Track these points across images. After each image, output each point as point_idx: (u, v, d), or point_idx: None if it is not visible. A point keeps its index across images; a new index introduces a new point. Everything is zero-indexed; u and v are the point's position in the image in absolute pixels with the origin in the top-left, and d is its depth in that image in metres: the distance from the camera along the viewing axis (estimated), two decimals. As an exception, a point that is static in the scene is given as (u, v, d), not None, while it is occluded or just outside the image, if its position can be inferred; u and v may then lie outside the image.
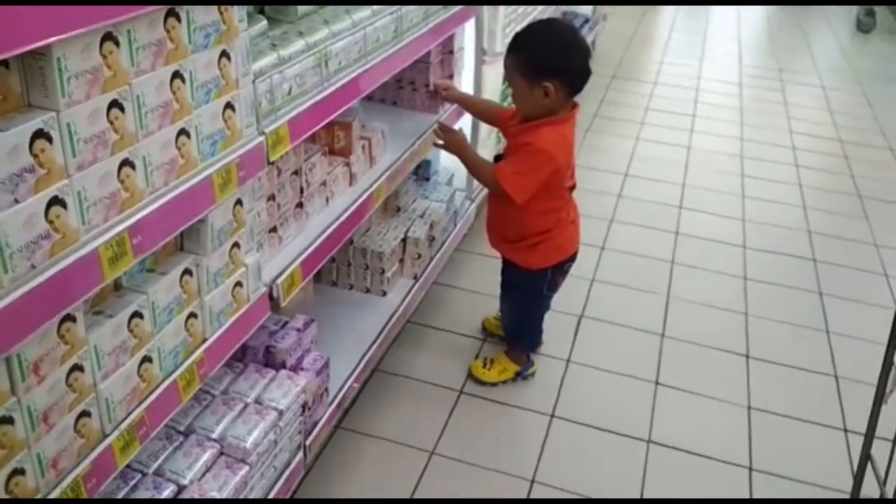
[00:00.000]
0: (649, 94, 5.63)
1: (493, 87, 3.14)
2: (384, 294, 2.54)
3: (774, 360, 2.95)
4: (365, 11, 1.99)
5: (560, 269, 2.51)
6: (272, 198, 1.79)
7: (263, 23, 1.70)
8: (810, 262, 3.62)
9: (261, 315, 1.71)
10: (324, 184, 2.06)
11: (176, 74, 1.27)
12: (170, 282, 1.40)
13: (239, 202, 1.53)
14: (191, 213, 1.36)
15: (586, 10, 5.80)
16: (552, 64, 2.19)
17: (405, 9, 2.19)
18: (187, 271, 1.44)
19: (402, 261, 2.62)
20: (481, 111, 2.72)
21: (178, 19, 1.25)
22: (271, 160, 1.60)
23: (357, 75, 1.94)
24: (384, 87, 2.74)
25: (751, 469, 2.46)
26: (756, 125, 5.20)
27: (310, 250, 1.89)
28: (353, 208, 2.12)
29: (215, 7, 1.33)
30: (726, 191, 4.26)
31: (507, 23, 3.14)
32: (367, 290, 2.55)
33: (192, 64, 1.31)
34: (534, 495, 2.28)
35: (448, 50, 2.82)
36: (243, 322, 1.65)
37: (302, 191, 1.94)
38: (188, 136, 1.33)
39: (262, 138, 1.55)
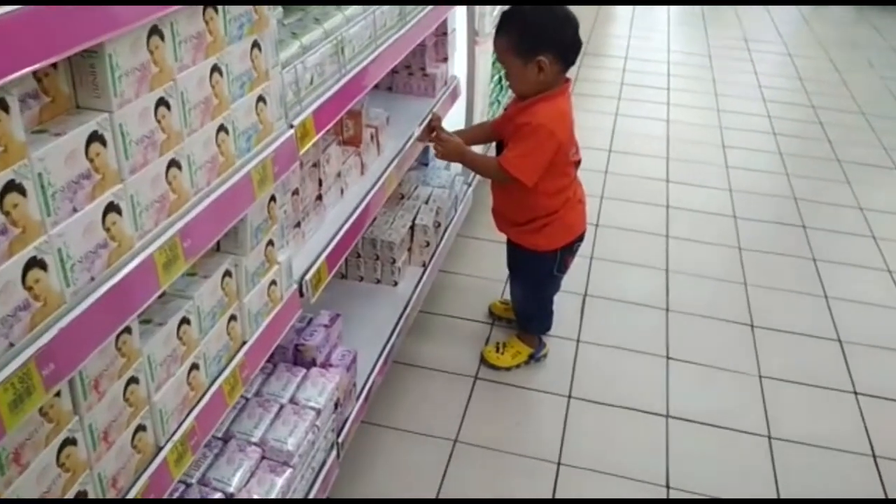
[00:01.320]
0: (622, 68, 5.64)
1: (486, 68, 3.11)
2: (395, 284, 2.50)
3: (779, 327, 2.98)
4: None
5: (569, 250, 2.49)
6: (296, 192, 1.73)
7: (279, 9, 1.63)
8: (800, 228, 3.66)
9: (293, 313, 1.66)
10: (339, 175, 2.01)
11: (214, 68, 1.21)
12: (212, 285, 1.34)
13: (273, 198, 1.48)
14: (234, 212, 1.31)
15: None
16: (544, 38, 2.17)
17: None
18: (227, 273, 1.38)
19: (410, 249, 2.58)
20: (478, 134, 2.62)
21: (216, 10, 1.19)
22: (301, 151, 1.55)
23: (369, 62, 1.89)
24: (380, 73, 2.69)
25: (770, 437, 2.48)
26: (730, 95, 5.24)
27: (333, 244, 1.84)
28: (368, 199, 2.07)
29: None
30: (710, 162, 4.29)
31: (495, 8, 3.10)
32: (378, 281, 2.50)
33: (229, 56, 1.25)
34: (561, 477, 2.27)
35: (441, 32, 2.77)
36: (278, 321, 1.59)
37: (321, 183, 1.88)
38: (227, 132, 1.27)
39: (291, 131, 1.49)
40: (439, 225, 2.66)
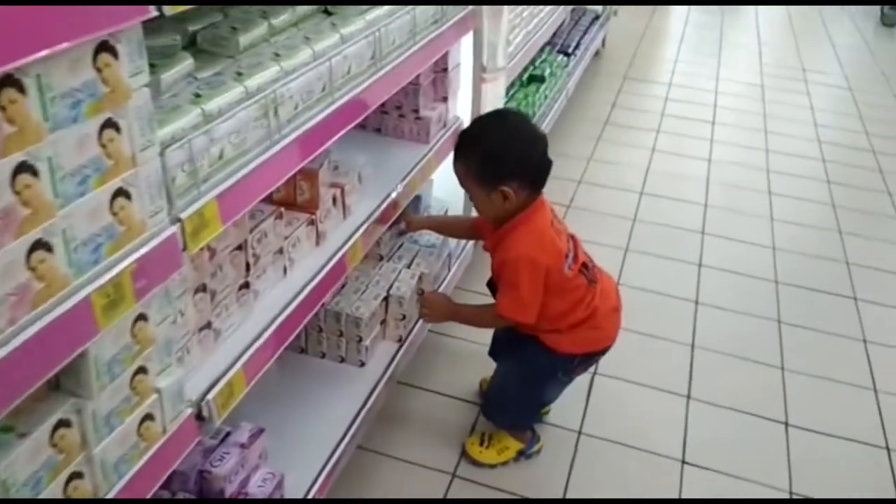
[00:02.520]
0: (664, 97, 5.20)
1: (496, 107, 2.72)
2: (362, 365, 2.14)
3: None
4: (331, 39, 1.58)
5: (590, 360, 2.17)
6: (203, 288, 1.38)
7: (188, 62, 1.28)
8: (851, 300, 3.21)
9: (185, 443, 1.31)
10: (280, 251, 1.65)
11: (22, 167, 0.86)
12: (34, 446, 0.99)
13: (142, 317, 1.12)
14: (55, 356, 0.95)
15: (596, 6, 5.38)
16: (506, 166, 1.88)
17: (385, 28, 1.77)
18: (63, 423, 1.03)
19: (384, 322, 2.21)
20: (456, 230, 2.39)
21: (22, 89, 0.84)
22: (192, 251, 1.19)
23: (321, 120, 1.53)
24: (365, 113, 2.33)
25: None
26: (781, 133, 4.77)
27: (257, 345, 1.49)
28: (319, 277, 1.71)
29: (88, 61, 0.92)
30: (753, 213, 3.84)
31: (511, 29, 2.72)
32: (342, 360, 2.15)
33: (52, 147, 0.90)
34: None
35: (441, 68, 2.40)
36: (159, 459, 1.24)
37: (248, 267, 1.53)
38: (49, 249, 0.92)
39: (174, 228, 1.14)
40: (422, 293, 2.28)
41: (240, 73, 1.33)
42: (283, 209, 1.64)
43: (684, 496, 2.24)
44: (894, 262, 3.51)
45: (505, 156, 1.88)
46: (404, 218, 2.22)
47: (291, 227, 1.70)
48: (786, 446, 2.44)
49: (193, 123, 1.18)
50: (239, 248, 1.49)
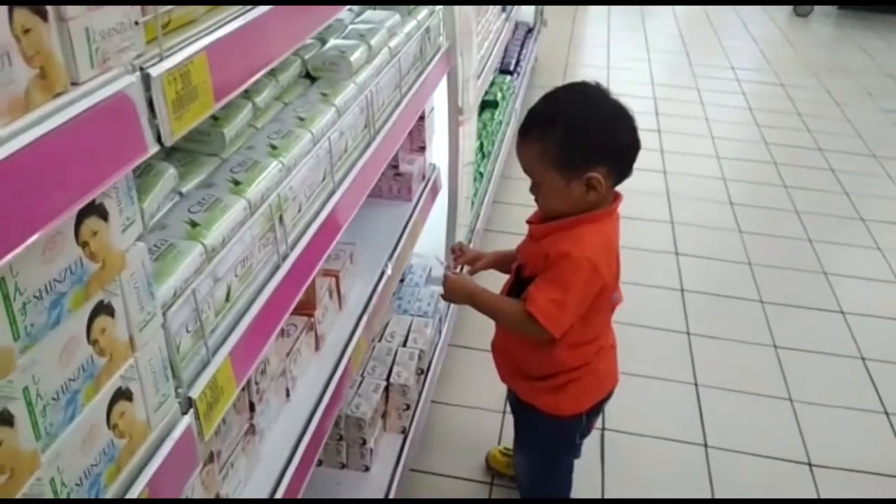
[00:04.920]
0: (606, 107, 5.06)
1: (470, 151, 2.47)
2: (367, 469, 1.84)
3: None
4: (326, 114, 1.29)
5: (597, 410, 1.85)
6: (209, 459, 1.07)
7: (170, 174, 0.97)
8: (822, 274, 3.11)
9: None
10: (282, 373, 1.35)
11: (-13, 420, 0.56)
12: None
13: (155, 547, 0.82)
14: None
15: (528, 17, 5.21)
16: (596, 146, 1.52)
17: (376, 88, 1.50)
18: None
19: (385, 414, 1.93)
20: (500, 264, 1.90)
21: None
22: (207, 436, 0.89)
23: (327, 215, 1.25)
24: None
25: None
26: (729, 138, 4.70)
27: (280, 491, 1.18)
28: (326, 397, 1.42)
29: (69, 237, 0.62)
30: (720, 226, 3.72)
31: (481, 68, 2.48)
32: (343, 466, 1.85)
33: (27, 374, 0.59)
34: None
35: (418, 115, 2.13)
36: None
37: (252, 408, 1.23)
38: (33, 518, 0.61)
39: (188, 418, 0.84)
40: (422, 372, 2.01)
41: (236, 182, 1.03)
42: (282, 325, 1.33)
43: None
44: (850, 239, 3.45)
45: (594, 133, 1.52)
46: (463, 257, 1.86)
47: (291, 339, 1.40)
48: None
49: (196, 266, 0.88)
50: (242, 389, 1.18)
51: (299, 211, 1.17)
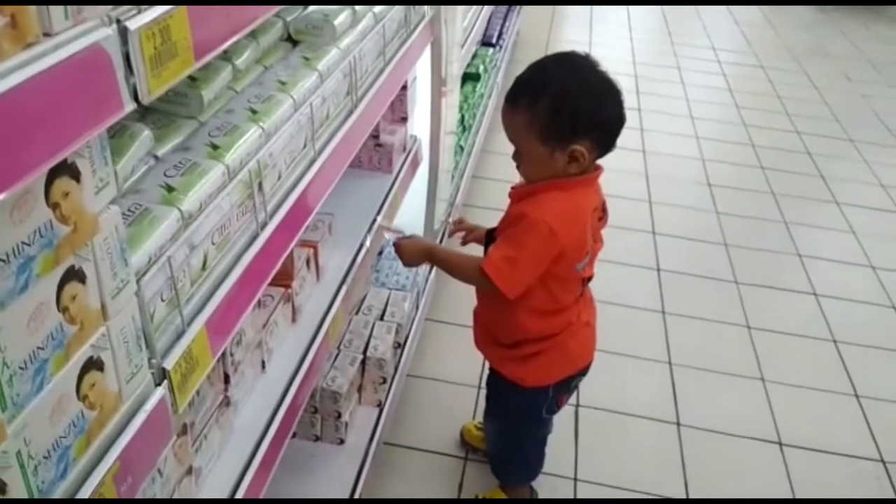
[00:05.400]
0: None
1: (452, 123, 2.44)
2: (341, 442, 1.83)
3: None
4: (308, 78, 1.25)
5: (566, 387, 1.84)
6: (182, 431, 1.04)
7: (145, 135, 0.93)
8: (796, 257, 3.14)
9: None
10: (258, 345, 1.33)
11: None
12: None
13: (125, 521, 0.79)
14: None
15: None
16: (582, 119, 1.50)
17: (360, 53, 1.46)
18: None
19: (360, 387, 1.91)
20: None
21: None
22: (181, 407, 0.86)
23: (308, 183, 1.21)
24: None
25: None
26: (708, 118, 4.70)
27: (246, 481, 1.16)
28: (303, 369, 1.39)
29: (39, 198, 0.58)
30: (697, 207, 3.72)
31: (464, 38, 2.43)
32: (317, 439, 1.83)
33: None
34: None
35: (401, 84, 2.09)
36: None
37: (227, 379, 1.20)
38: (2, 489, 0.59)
39: (161, 390, 0.81)
40: (399, 346, 1.99)
41: (214, 146, 0.99)
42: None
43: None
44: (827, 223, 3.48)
45: (582, 106, 1.50)
46: (461, 226, 1.88)
47: (267, 311, 1.37)
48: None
49: (172, 233, 0.85)
50: (217, 360, 1.15)
51: (279, 178, 1.13)
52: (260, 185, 1.06)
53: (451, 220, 2.36)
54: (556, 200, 1.55)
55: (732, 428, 2.43)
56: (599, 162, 1.61)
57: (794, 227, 3.60)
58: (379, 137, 2.02)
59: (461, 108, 3.09)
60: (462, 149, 3.06)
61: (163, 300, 0.83)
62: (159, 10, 0.70)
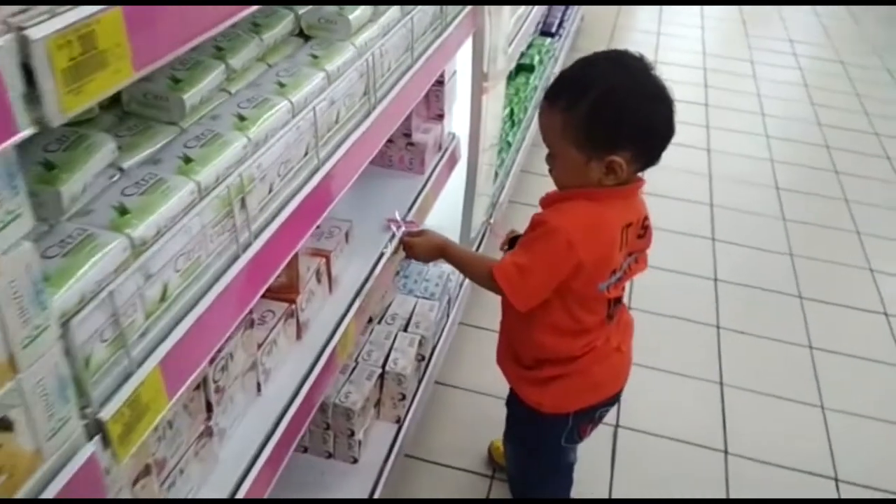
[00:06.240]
0: (651, 76, 4.79)
1: (495, 120, 2.30)
2: (355, 461, 1.73)
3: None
4: (312, 80, 1.14)
5: (589, 416, 1.66)
6: (145, 471, 0.94)
7: (108, 148, 0.83)
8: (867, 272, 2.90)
9: None
10: (251, 367, 1.22)
11: None
12: None
13: None
14: None
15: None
16: (626, 129, 1.35)
17: (380, 50, 1.33)
18: None
19: (379, 402, 1.80)
20: None
21: None
22: (123, 460, 0.76)
23: (307, 198, 1.10)
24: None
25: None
26: (780, 116, 4.43)
27: (230, 517, 1.06)
28: (304, 389, 1.29)
29: None
30: (763, 213, 3.49)
31: (515, 31, 2.29)
32: (330, 456, 1.73)
33: None
34: None
35: (437, 80, 1.96)
36: None
37: (210, 408, 1.10)
38: None
39: (92, 445, 0.71)
40: (423, 359, 1.88)
41: (188, 159, 0.88)
42: (253, 316, 1.20)
43: None
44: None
45: (627, 113, 1.35)
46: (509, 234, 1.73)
47: (265, 328, 1.26)
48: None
49: (117, 264, 0.74)
50: (197, 387, 1.05)
51: (270, 192, 1.02)
52: (243, 201, 0.94)
53: (491, 220, 2.26)
54: (580, 210, 1.41)
55: (785, 459, 2.25)
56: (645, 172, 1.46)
57: (868, 238, 3.34)
58: (411, 136, 1.90)
59: (511, 102, 2.94)
60: (509, 145, 2.92)
61: (104, 341, 0.73)
62: (81, 12, 0.58)
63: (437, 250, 1.62)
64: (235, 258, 0.95)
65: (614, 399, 1.67)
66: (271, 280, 1.03)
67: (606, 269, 1.44)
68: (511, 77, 3.23)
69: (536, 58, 3.43)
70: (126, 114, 0.98)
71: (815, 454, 2.28)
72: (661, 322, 2.72)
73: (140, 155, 0.89)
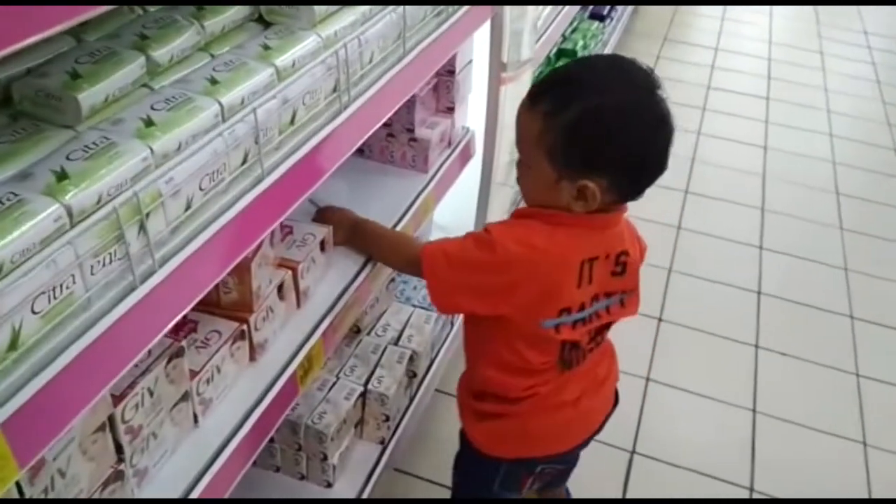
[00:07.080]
0: (710, 65, 4.51)
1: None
2: (329, 486, 1.58)
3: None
4: (252, 78, 0.98)
5: (529, 467, 1.44)
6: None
7: None
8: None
9: None
10: (183, 398, 1.08)
11: None
12: None
13: None
14: None
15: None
16: (612, 154, 1.16)
17: (357, 42, 1.17)
18: None
19: (361, 421, 1.65)
20: None
21: None
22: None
23: (239, 215, 0.94)
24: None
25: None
26: (847, 114, 4.10)
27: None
28: (252, 419, 1.14)
29: None
30: (818, 220, 3.22)
31: (555, 13, 2.09)
32: (303, 478, 1.59)
33: None
34: None
35: (447, 69, 1.78)
36: None
37: (120, 450, 0.96)
38: None
39: None
40: (414, 376, 1.72)
41: (63, 175, 0.73)
42: (182, 341, 1.05)
43: None
44: None
45: (616, 135, 1.16)
46: None
47: (207, 353, 1.12)
48: None
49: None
50: (101, 428, 0.92)
51: (188, 209, 0.87)
52: (141, 224, 0.79)
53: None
54: (532, 231, 1.22)
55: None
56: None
57: (934, 256, 3.05)
58: (414, 131, 1.73)
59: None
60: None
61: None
62: None
63: (349, 224, 1.45)
64: (130, 291, 0.80)
65: (563, 459, 1.47)
66: (181, 314, 0.88)
67: (552, 304, 1.24)
68: (550, 62, 3.02)
69: (581, 42, 3.21)
70: (20, 113, 0.83)
71: (852, 497, 2.07)
72: (693, 336, 2.51)
73: (14, 167, 0.75)
